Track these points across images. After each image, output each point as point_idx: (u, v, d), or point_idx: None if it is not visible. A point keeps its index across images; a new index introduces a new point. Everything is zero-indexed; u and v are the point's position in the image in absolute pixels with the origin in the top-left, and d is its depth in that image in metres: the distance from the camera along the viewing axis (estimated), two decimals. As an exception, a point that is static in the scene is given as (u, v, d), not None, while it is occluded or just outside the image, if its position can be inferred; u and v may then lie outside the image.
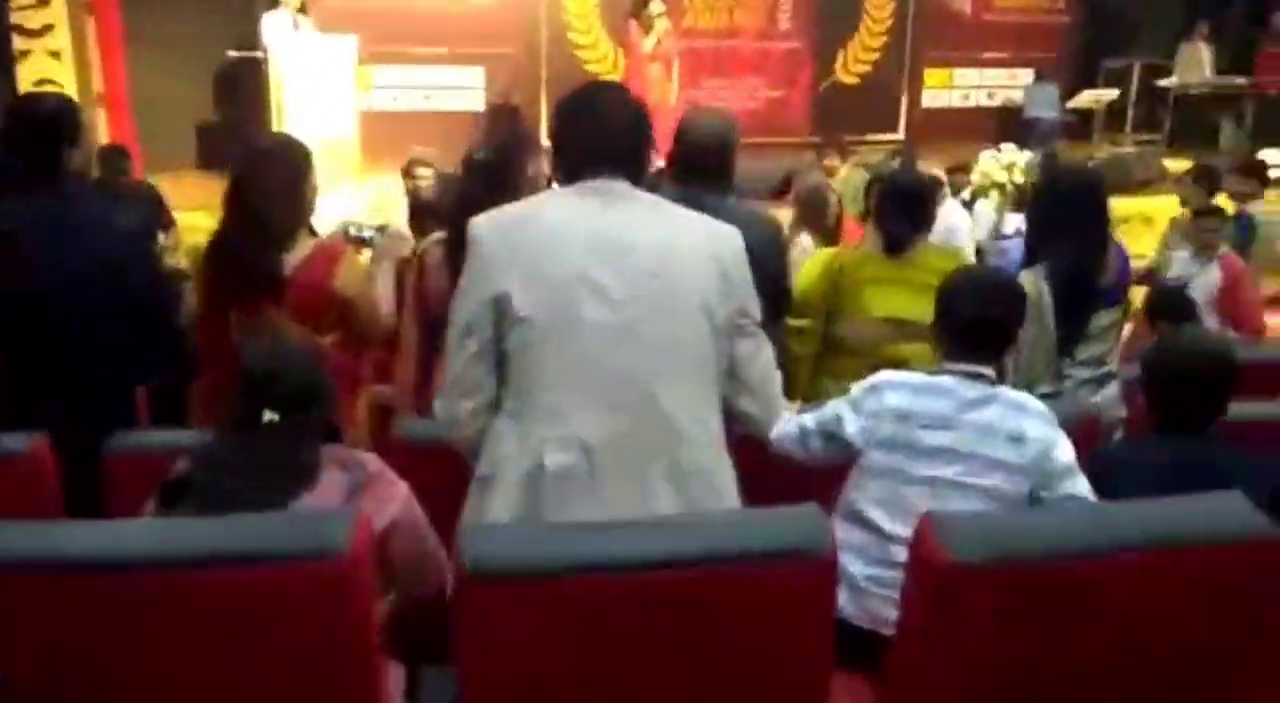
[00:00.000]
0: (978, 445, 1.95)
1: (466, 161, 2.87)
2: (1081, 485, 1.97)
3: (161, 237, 5.86)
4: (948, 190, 5.89)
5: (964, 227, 5.69)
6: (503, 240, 1.73)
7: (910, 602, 1.48)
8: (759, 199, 7.42)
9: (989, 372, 2.03)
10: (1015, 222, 4.01)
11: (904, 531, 1.90)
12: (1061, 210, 2.98)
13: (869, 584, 1.97)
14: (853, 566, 1.98)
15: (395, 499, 1.85)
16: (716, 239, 1.80)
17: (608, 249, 1.68)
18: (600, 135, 1.78)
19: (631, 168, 1.79)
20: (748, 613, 1.35)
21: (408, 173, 5.79)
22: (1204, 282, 4.71)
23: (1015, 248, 3.30)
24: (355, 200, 7.13)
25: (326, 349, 2.58)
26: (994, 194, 7.64)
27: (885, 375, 2.07)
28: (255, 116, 8.32)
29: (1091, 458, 2.23)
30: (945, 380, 2.02)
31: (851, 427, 2.01)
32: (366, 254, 2.95)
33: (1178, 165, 9.36)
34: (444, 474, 1.93)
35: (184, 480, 1.76)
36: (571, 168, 1.81)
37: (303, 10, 8.46)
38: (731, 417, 1.87)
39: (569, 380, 1.66)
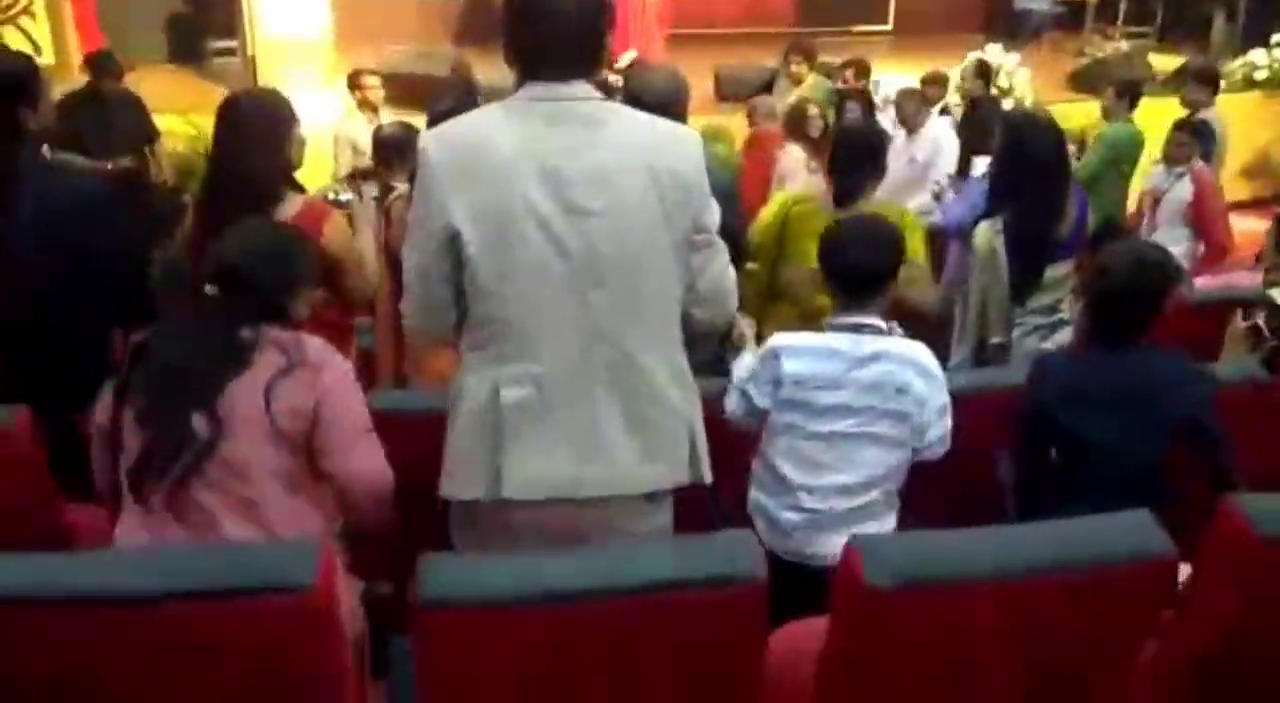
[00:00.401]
0: (869, 399, 2.09)
1: (430, 113, 2.87)
2: (934, 434, 2.12)
3: (148, 151, 5.82)
4: (928, 106, 5.79)
5: (947, 143, 5.57)
6: (451, 167, 1.70)
7: (834, 623, 1.58)
8: (741, 102, 7.33)
9: (874, 321, 2.12)
10: (983, 165, 4.00)
11: (808, 479, 2.14)
12: (1020, 171, 3.03)
13: (786, 525, 2.17)
14: (771, 507, 2.20)
15: (330, 371, 1.84)
16: (670, 153, 1.75)
17: (555, 183, 1.66)
18: (554, 32, 1.70)
19: (588, 64, 1.74)
20: (682, 639, 1.45)
21: (354, 84, 5.76)
22: (1175, 195, 4.76)
23: (979, 191, 3.32)
24: (329, 103, 7.01)
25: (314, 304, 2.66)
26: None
27: (780, 341, 2.18)
28: (226, 10, 8.11)
29: (1037, 366, 2.37)
30: (835, 340, 2.13)
31: (760, 399, 2.17)
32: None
33: (1168, 62, 9.22)
34: (420, 444, 2.00)
35: (141, 349, 1.82)
36: (524, 66, 1.74)
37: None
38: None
39: (520, 318, 1.70)
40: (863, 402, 2.09)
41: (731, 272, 1.92)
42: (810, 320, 3.01)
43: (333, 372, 1.85)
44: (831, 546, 2.05)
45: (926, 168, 5.40)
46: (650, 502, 1.80)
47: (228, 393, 1.76)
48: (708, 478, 1.86)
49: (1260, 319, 3.02)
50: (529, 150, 1.67)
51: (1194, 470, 2.25)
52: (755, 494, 2.24)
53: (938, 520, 1.90)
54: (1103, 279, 2.33)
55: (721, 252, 1.87)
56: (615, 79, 5.53)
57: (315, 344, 1.87)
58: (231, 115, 2.59)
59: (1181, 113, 5.47)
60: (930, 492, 2.24)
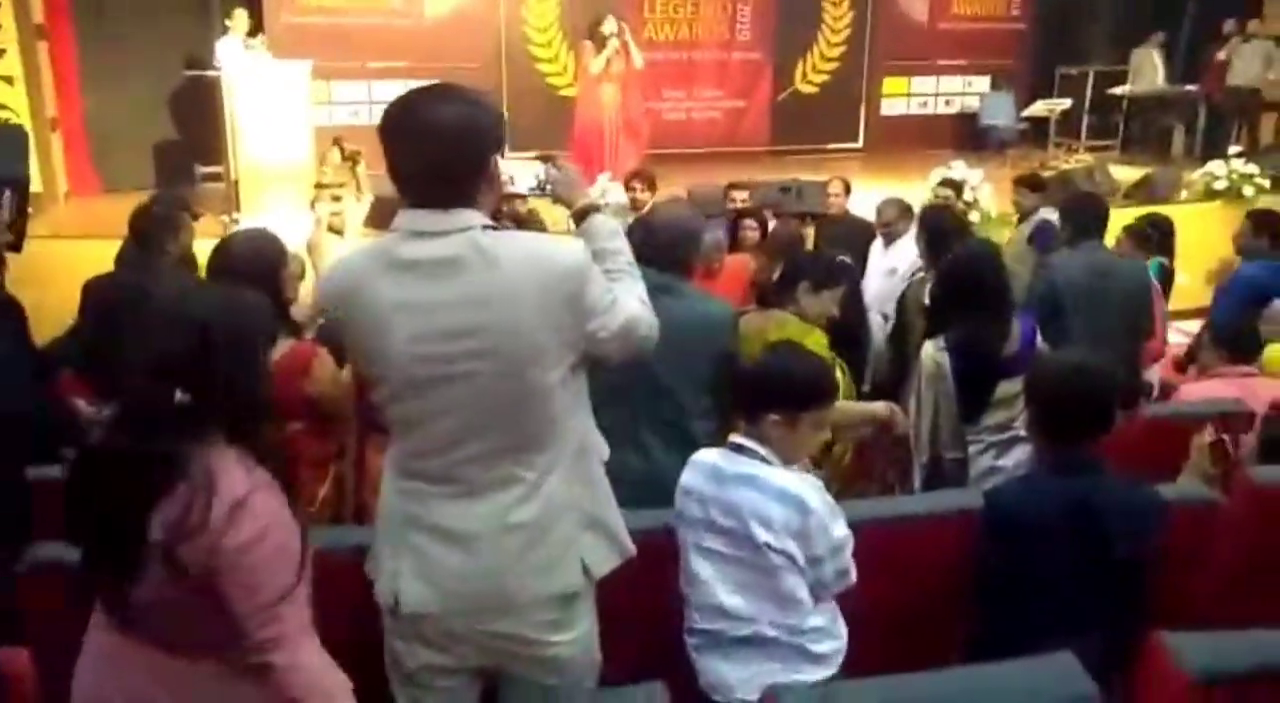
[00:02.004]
0: (729, 521, 2.04)
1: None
2: (827, 571, 2.03)
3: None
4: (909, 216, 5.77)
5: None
6: (340, 310, 1.77)
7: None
8: (715, 217, 7.50)
9: (754, 445, 2.07)
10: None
11: (695, 595, 2.10)
12: (959, 292, 3.11)
13: (691, 650, 2.12)
14: (687, 634, 2.14)
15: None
16: (550, 282, 1.69)
17: (432, 334, 1.67)
18: (425, 159, 1.67)
19: (469, 191, 1.69)
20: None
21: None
22: None
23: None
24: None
25: (294, 434, 2.66)
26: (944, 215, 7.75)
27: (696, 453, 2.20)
28: (213, 137, 8.32)
29: (988, 503, 2.34)
30: (715, 455, 2.13)
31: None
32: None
33: (1130, 174, 9.53)
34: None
35: None
36: (402, 192, 1.72)
37: (254, 34, 8.45)
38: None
39: (417, 444, 1.76)
40: (725, 523, 2.05)
41: (640, 312, 1.85)
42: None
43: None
44: (724, 676, 2.04)
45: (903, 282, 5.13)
46: (558, 608, 1.79)
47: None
48: (631, 550, 1.88)
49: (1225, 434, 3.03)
50: (406, 309, 1.67)
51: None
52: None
53: (891, 659, 1.86)
54: (1043, 386, 2.34)
55: (619, 304, 1.79)
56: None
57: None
58: (222, 260, 2.63)
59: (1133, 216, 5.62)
60: (881, 627, 2.21)
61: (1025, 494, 2.34)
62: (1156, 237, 5.20)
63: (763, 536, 1.99)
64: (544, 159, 2.04)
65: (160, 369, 1.54)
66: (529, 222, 5.49)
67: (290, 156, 7.63)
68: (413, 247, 1.68)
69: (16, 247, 4.31)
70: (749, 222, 5.54)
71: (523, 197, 2.05)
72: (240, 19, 8.34)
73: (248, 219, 6.85)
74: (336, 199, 6.01)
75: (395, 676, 1.86)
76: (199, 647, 1.60)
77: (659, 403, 2.69)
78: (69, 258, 5.53)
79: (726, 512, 2.05)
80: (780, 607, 2.04)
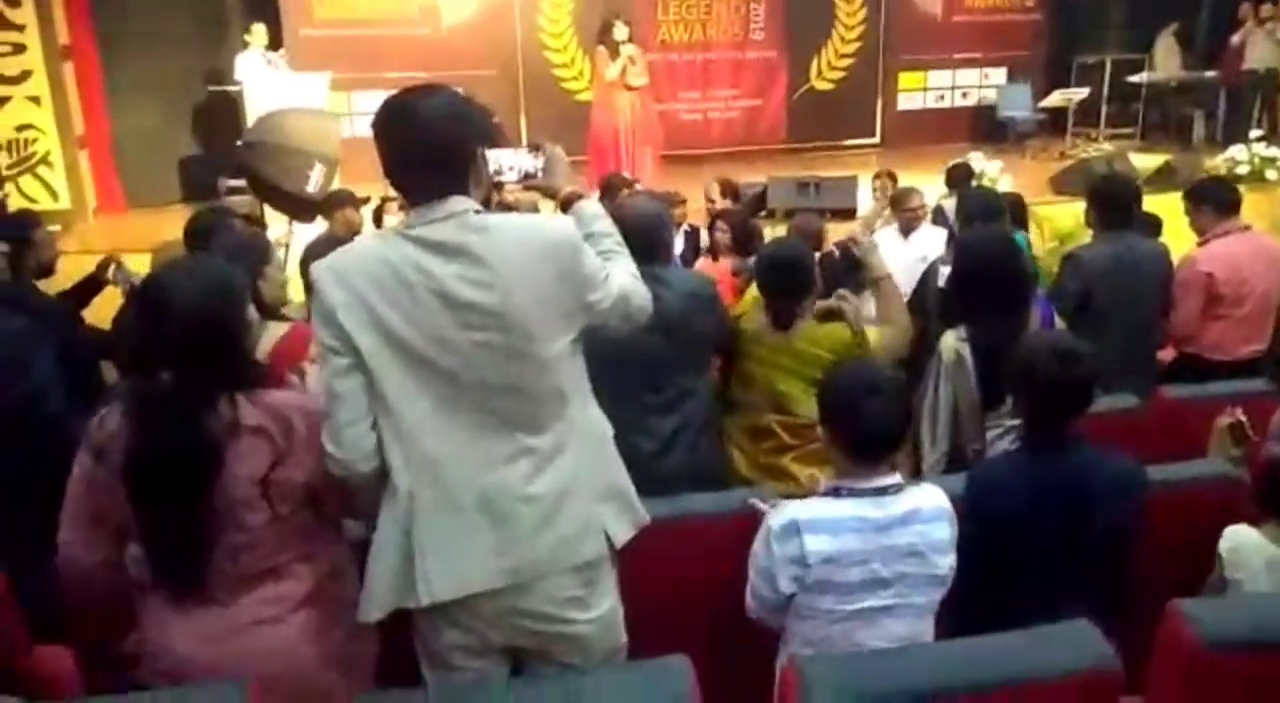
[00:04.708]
0: (901, 566, 1.94)
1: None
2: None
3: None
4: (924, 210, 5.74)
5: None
6: (347, 298, 1.73)
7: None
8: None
9: (895, 479, 1.99)
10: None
11: None
12: (976, 284, 3.07)
13: None
14: None
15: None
16: (544, 255, 1.76)
17: (438, 314, 1.70)
18: (409, 158, 1.75)
19: (459, 179, 1.76)
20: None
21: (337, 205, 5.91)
22: None
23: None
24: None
25: None
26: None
27: (795, 512, 1.99)
28: (232, 149, 8.44)
29: (969, 482, 2.32)
30: (858, 507, 1.97)
31: (785, 583, 1.97)
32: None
33: (1151, 161, 9.47)
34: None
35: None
36: (401, 191, 1.82)
37: (273, 47, 8.56)
38: None
39: (428, 428, 1.75)
40: (894, 570, 1.93)
41: (633, 285, 1.93)
42: (760, 437, 3.03)
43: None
44: None
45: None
46: (580, 584, 1.81)
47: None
48: (646, 518, 1.92)
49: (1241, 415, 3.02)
50: (418, 287, 1.71)
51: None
52: None
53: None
54: (1024, 368, 2.31)
55: (613, 277, 1.88)
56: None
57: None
58: (199, 243, 2.72)
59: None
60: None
61: (1006, 473, 2.34)
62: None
63: (945, 563, 1.94)
64: (532, 147, 2.08)
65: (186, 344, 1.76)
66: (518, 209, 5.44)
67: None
68: (415, 232, 1.74)
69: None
70: (721, 224, 5.48)
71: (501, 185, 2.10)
72: (259, 33, 8.46)
73: (274, 231, 6.95)
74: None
75: (423, 654, 1.89)
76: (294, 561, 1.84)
77: (664, 388, 2.77)
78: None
79: (900, 558, 1.94)
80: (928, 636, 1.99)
